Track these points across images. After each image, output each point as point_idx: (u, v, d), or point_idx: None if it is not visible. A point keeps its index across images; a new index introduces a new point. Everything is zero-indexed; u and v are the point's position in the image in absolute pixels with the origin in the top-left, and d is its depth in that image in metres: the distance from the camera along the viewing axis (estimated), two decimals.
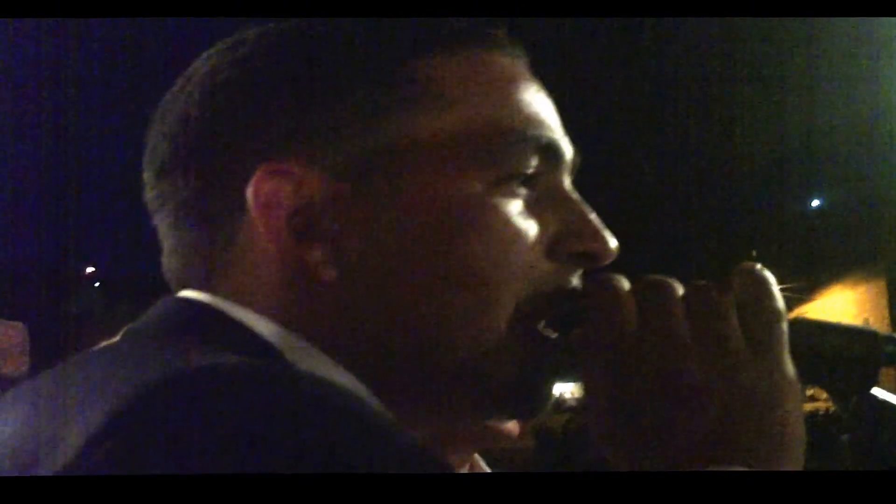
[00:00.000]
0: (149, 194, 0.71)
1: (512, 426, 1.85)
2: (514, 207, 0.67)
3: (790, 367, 0.64)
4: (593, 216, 0.71)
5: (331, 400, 0.48)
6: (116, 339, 0.63)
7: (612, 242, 0.70)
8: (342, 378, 0.61)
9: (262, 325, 0.63)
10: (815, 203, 20.17)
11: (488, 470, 1.89)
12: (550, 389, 0.71)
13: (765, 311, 0.65)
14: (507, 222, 0.66)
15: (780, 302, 0.66)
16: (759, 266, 0.67)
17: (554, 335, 0.69)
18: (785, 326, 0.65)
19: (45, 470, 0.42)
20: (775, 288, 0.67)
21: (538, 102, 0.71)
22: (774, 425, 0.62)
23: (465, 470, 1.85)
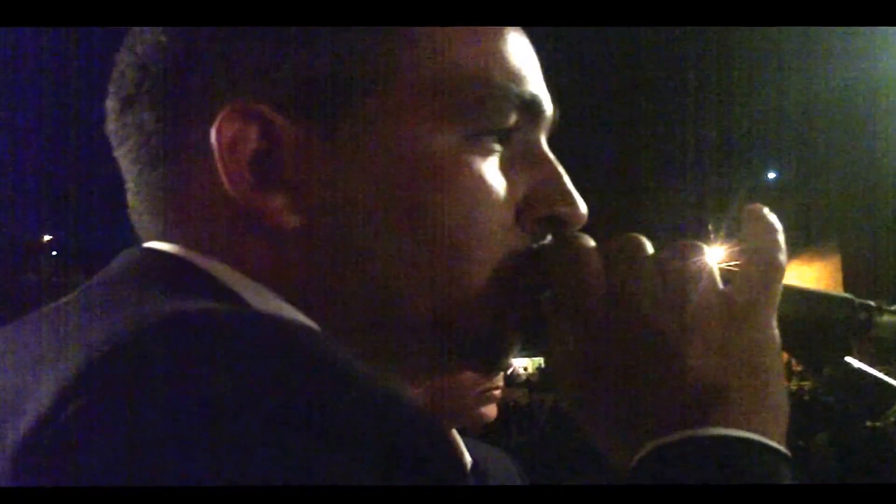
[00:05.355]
0: (112, 125, 0.67)
1: (489, 409, 1.86)
2: (488, 165, 0.65)
3: (773, 330, 0.62)
4: (566, 179, 0.69)
5: (307, 344, 0.47)
6: (73, 294, 0.60)
7: (583, 207, 0.69)
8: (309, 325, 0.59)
9: (227, 274, 0.61)
10: (772, 175, 20.35)
11: (463, 447, 1.89)
12: (514, 342, 0.69)
13: (768, 263, 0.64)
14: (479, 180, 0.64)
15: (783, 256, 0.64)
16: (767, 210, 0.66)
17: (525, 294, 0.68)
18: (779, 288, 0.63)
19: (14, 425, 0.40)
20: (782, 236, 0.65)
21: (523, 54, 0.68)
22: (752, 386, 0.60)
23: None
